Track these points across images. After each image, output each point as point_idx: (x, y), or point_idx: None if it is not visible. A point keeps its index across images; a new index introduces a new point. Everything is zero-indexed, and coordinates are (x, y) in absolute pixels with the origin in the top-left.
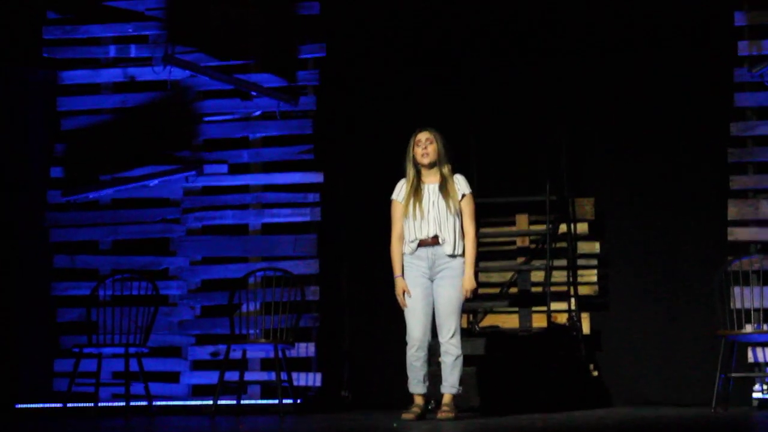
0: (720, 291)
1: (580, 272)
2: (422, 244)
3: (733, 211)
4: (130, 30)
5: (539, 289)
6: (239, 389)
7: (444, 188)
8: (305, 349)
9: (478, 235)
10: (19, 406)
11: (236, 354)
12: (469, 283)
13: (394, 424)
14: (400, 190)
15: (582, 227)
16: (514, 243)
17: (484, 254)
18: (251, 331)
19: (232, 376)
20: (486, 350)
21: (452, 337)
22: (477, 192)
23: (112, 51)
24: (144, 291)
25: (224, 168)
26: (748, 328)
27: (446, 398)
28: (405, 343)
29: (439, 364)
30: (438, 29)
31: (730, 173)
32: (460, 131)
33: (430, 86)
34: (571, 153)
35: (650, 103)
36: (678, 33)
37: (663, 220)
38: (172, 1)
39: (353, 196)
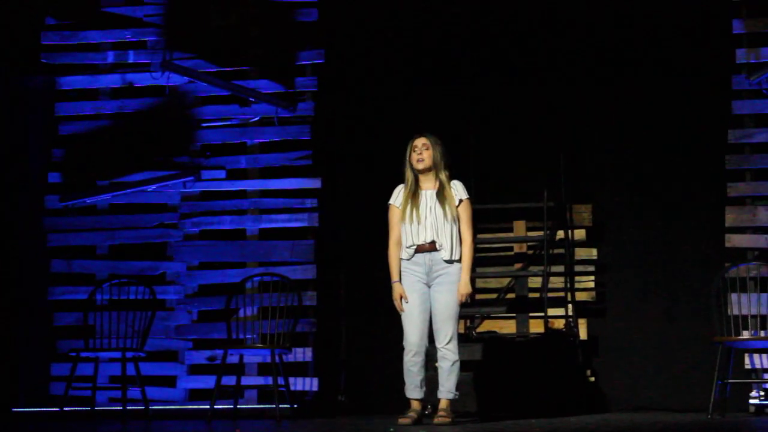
0: (717, 297)
1: (577, 278)
2: (419, 249)
3: (731, 217)
4: (128, 36)
5: (536, 294)
6: (236, 394)
7: (441, 194)
8: (302, 354)
9: (476, 241)
10: (16, 410)
11: (233, 358)
12: (465, 287)
13: (391, 429)
14: (398, 195)
15: (579, 233)
16: (511, 249)
17: (482, 260)
18: (248, 336)
19: (229, 380)
20: (483, 356)
21: (449, 342)
22: (475, 198)
23: (110, 57)
24: (141, 295)
25: (222, 173)
26: (746, 335)
27: (443, 403)
28: (402, 349)
29: (436, 370)
30: (436, 36)
31: (727, 180)
32: (458, 138)
33: (428, 93)
34: (569, 159)
35: (649, 109)
36: (677, 40)
37: (660, 226)
38: (170, 7)
39: (351, 202)
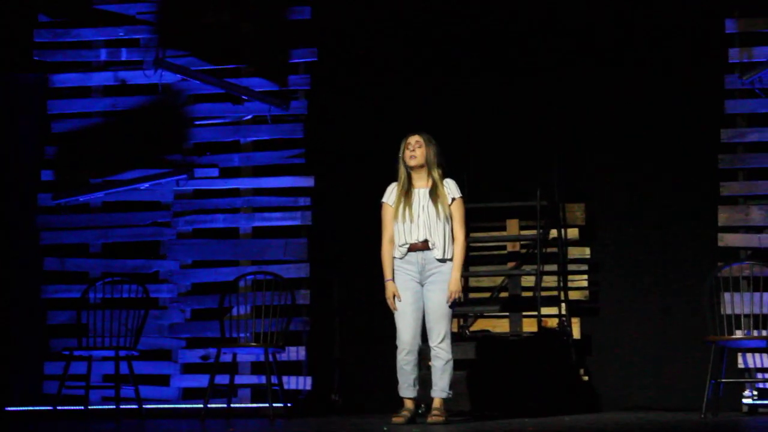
0: (710, 297)
1: (570, 277)
2: (412, 248)
3: (724, 217)
4: (121, 34)
5: (530, 293)
6: (229, 392)
7: (434, 193)
8: (296, 352)
9: (468, 240)
10: (9, 409)
11: (226, 357)
12: (455, 285)
13: (384, 428)
14: (391, 193)
15: (573, 232)
16: (504, 248)
17: (475, 259)
18: (242, 335)
19: (222, 379)
20: (476, 354)
21: (442, 341)
22: (468, 197)
23: (103, 54)
24: (134, 294)
25: (215, 171)
26: (739, 334)
27: (436, 402)
28: (395, 347)
29: (429, 368)
30: (430, 34)
31: (720, 180)
32: (452, 136)
33: (422, 91)
34: (563, 159)
35: (642, 109)
36: (670, 40)
37: (653, 225)
38: (163, 6)
39: (344, 200)
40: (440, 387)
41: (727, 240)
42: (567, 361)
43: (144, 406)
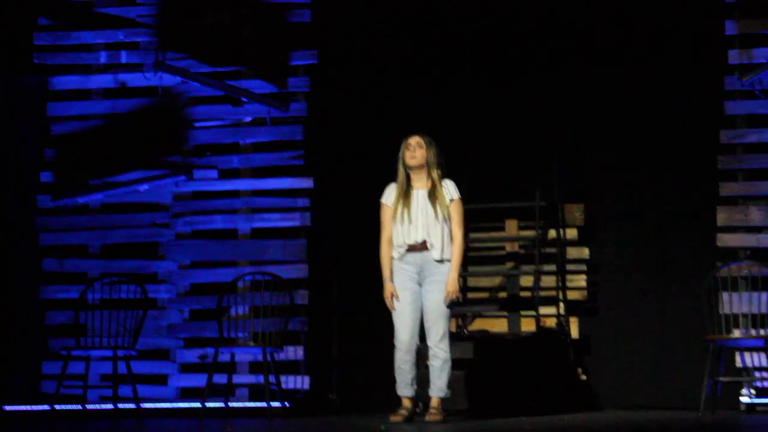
0: (708, 296)
1: (569, 277)
2: (411, 249)
3: (723, 217)
4: (121, 36)
5: (528, 293)
6: (227, 392)
7: (433, 194)
8: (294, 352)
9: (467, 240)
10: (8, 408)
11: (225, 357)
12: (452, 285)
13: (382, 427)
14: (390, 194)
15: (571, 233)
16: (503, 248)
17: (474, 259)
18: (240, 335)
19: (220, 379)
20: (475, 354)
21: (440, 340)
22: (467, 197)
23: (103, 57)
24: (133, 294)
25: (214, 173)
26: (736, 333)
27: (434, 401)
28: (393, 347)
29: (427, 368)
30: (429, 36)
31: (719, 180)
32: (451, 137)
33: (421, 93)
34: (562, 159)
35: (641, 110)
36: (670, 41)
37: (652, 225)
38: (163, 8)
39: (343, 202)
40: (438, 386)
41: (726, 240)
42: (565, 360)
43: (142, 405)
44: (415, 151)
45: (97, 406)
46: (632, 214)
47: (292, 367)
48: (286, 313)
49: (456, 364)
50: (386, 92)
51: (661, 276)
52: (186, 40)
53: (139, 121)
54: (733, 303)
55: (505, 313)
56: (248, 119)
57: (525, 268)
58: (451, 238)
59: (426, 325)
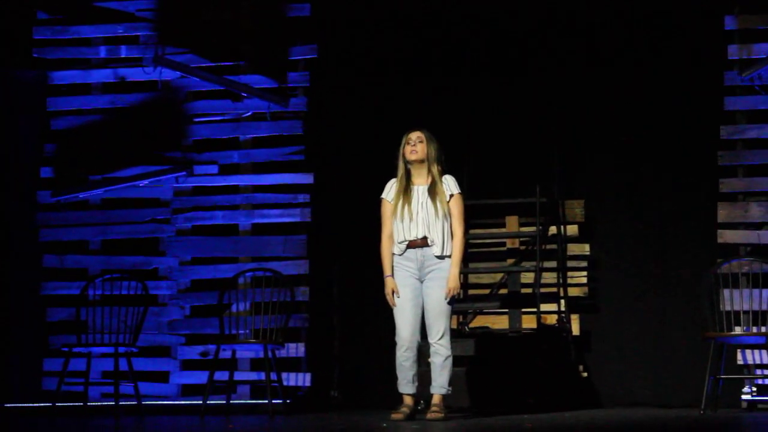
0: (709, 293)
1: (569, 274)
2: (411, 245)
3: (723, 213)
4: (120, 31)
5: (529, 290)
6: (229, 389)
7: (433, 190)
8: (295, 349)
9: (468, 236)
10: (9, 405)
11: (226, 354)
12: (453, 282)
13: (384, 424)
14: (390, 190)
15: (572, 229)
16: (504, 244)
17: (474, 255)
18: (241, 332)
19: (221, 375)
20: (476, 351)
21: (441, 337)
22: (468, 193)
23: (102, 52)
24: (133, 291)
25: (214, 169)
26: (738, 330)
27: (436, 399)
28: (394, 344)
29: (428, 365)
30: (430, 31)
31: (720, 176)
32: (452, 133)
33: (422, 88)
34: (562, 155)
35: (641, 106)
36: (669, 37)
37: (653, 222)
38: (162, 3)
39: (343, 197)
40: (439, 383)
41: (727, 236)
42: (566, 357)
43: (143, 402)
44: (416, 145)
45: (99, 403)
46: (632, 211)
47: (293, 364)
48: (287, 309)
49: (457, 361)
50: (387, 87)
51: (661, 273)
52: (186, 34)
53: (139, 116)
54: (734, 300)
55: (506, 310)
56: (248, 114)
57: (526, 264)
58: (452, 235)
59: (427, 322)
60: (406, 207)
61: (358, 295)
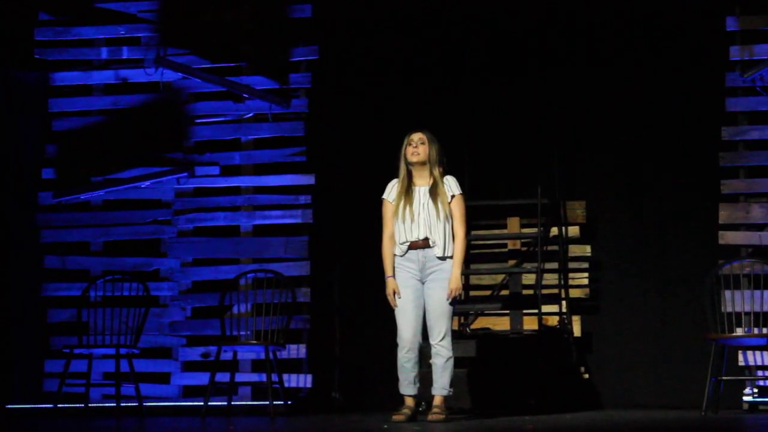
0: (711, 294)
1: (571, 275)
2: (413, 246)
3: (724, 214)
4: (122, 32)
5: (530, 291)
6: (230, 390)
7: (434, 191)
8: (296, 350)
9: (469, 238)
10: (10, 406)
11: (227, 355)
12: (455, 283)
13: (385, 426)
14: (391, 190)
15: (573, 230)
16: (505, 246)
17: (476, 257)
18: (242, 333)
19: (222, 377)
20: (477, 352)
21: (443, 339)
22: (469, 194)
23: (104, 53)
24: (135, 292)
25: (216, 170)
26: (739, 332)
27: (437, 400)
28: (396, 345)
29: (430, 366)
30: (429, 31)
31: (721, 177)
32: (452, 134)
33: (423, 89)
34: (564, 156)
35: (642, 107)
36: (670, 38)
37: (654, 223)
38: (164, 4)
39: (345, 198)
40: (441, 385)
41: (728, 238)
42: (567, 359)
43: (144, 403)
44: (418, 147)
45: (100, 405)
46: (633, 212)
47: (294, 365)
48: (288, 310)
49: (458, 362)
50: (388, 88)
51: (662, 274)
52: (187, 35)
53: (141, 118)
54: (735, 301)
55: (507, 312)
56: (250, 115)
57: (527, 265)
58: (453, 236)
59: (428, 324)
60: (407, 208)
61: (359, 297)
